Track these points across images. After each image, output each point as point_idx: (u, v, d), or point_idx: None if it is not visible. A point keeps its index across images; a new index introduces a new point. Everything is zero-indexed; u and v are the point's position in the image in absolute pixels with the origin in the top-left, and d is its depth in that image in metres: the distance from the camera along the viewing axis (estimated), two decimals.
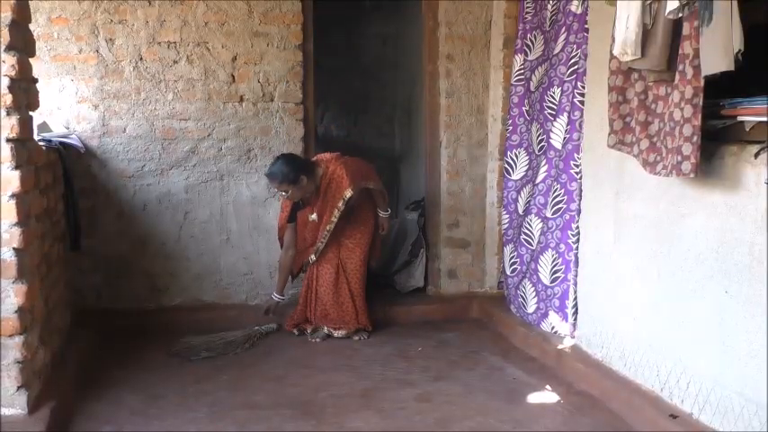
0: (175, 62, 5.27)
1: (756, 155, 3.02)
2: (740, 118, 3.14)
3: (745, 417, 3.15)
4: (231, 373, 4.48)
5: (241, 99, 5.38)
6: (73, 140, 5.00)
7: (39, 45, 4.47)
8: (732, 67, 2.99)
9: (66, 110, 5.20)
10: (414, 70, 6.54)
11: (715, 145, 3.25)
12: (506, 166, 5.32)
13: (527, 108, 5.12)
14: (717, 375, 3.31)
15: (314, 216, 5.09)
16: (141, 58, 5.23)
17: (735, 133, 3.17)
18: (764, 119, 2.99)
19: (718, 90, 3.21)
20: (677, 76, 3.25)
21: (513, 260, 5.27)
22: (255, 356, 4.81)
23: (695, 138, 3.14)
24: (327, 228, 5.04)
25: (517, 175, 5.23)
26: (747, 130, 3.11)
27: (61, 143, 4.71)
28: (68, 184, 4.60)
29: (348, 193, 4.93)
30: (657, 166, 3.44)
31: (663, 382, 3.68)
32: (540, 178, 4.94)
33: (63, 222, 4.55)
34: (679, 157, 3.21)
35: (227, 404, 3.99)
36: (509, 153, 5.28)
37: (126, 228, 5.33)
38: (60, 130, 5.08)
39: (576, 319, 4.62)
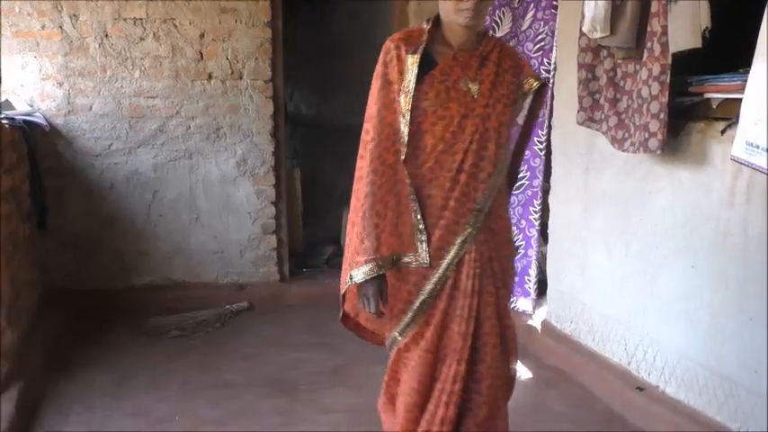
0: (142, 39, 5.19)
1: (723, 132, 3.06)
2: (707, 95, 3.17)
3: (710, 388, 3.21)
4: (202, 351, 4.47)
5: (209, 77, 5.31)
6: (37, 119, 4.91)
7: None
8: (699, 45, 3.02)
9: (30, 87, 5.10)
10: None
11: (682, 122, 3.28)
12: None
13: None
14: (683, 348, 3.37)
15: (473, 86, 2.38)
16: (107, 35, 5.14)
17: (702, 110, 3.21)
18: (731, 96, 3.03)
19: (692, 67, 3.24)
20: (645, 54, 3.27)
21: None
22: (227, 335, 4.80)
23: (662, 115, 3.17)
24: (499, 120, 2.40)
25: None
26: (714, 107, 3.14)
27: (25, 121, 4.63)
28: (34, 164, 4.53)
29: (534, 84, 2.53)
30: (625, 143, 3.47)
31: (630, 355, 3.74)
32: None
33: (29, 202, 4.49)
34: (646, 134, 3.25)
35: (199, 383, 3.99)
36: None
37: (94, 207, 5.26)
38: (24, 108, 4.99)
39: (537, 296, 4.68)
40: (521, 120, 2.65)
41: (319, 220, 6.82)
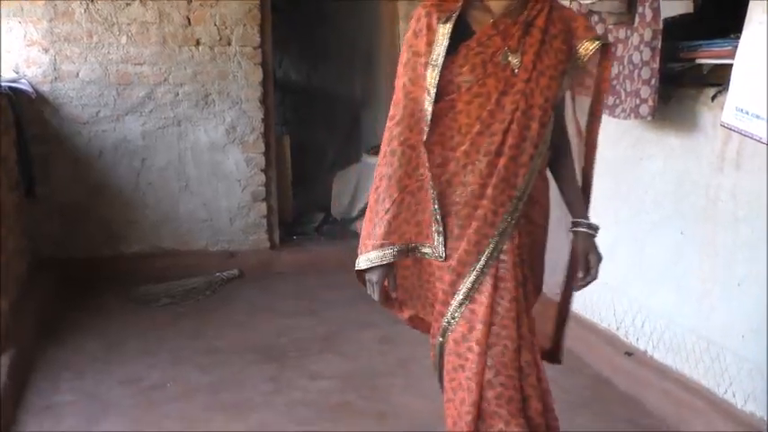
0: (128, 4, 5.12)
1: (713, 98, 3.05)
2: (698, 61, 3.15)
3: (697, 353, 3.24)
4: (192, 319, 4.47)
5: (197, 43, 5.26)
6: (23, 85, 4.86)
7: None
8: (691, 10, 3.00)
9: (15, 53, 5.03)
10: (374, 14, 6.45)
11: (673, 88, 3.27)
12: None
13: None
14: (671, 314, 3.39)
15: (514, 59, 2.06)
16: (92, 0, 5.07)
17: (693, 76, 3.20)
18: (722, 62, 3.01)
19: (683, 33, 3.22)
20: (637, 19, 3.25)
21: None
22: (217, 303, 4.80)
23: (653, 81, 3.16)
24: (544, 96, 2.09)
25: None
26: (705, 72, 3.13)
27: (11, 88, 4.58)
28: (20, 131, 4.48)
29: (591, 47, 2.15)
30: (617, 110, 3.46)
31: (619, 321, 3.77)
32: None
33: (16, 170, 4.45)
34: (637, 101, 3.24)
35: (189, 350, 4.00)
36: None
37: (81, 175, 5.22)
38: (9, 75, 4.93)
39: None
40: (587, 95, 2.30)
41: (309, 188, 6.81)
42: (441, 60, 2.05)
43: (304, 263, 5.53)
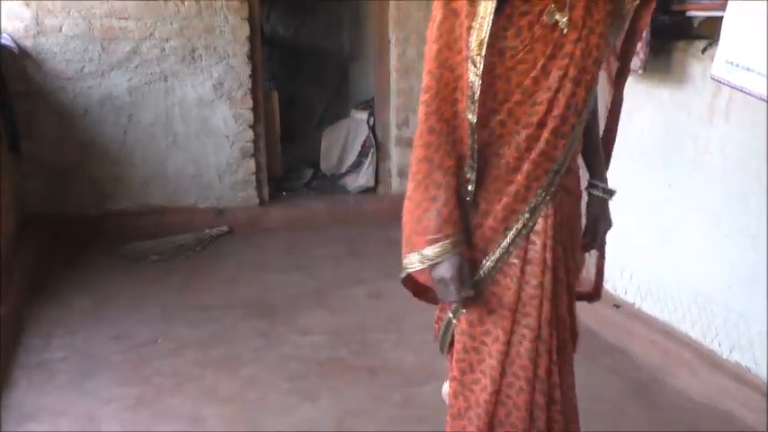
0: None
1: (703, 50, 3.04)
2: (689, 13, 3.14)
3: (684, 304, 3.28)
4: (182, 275, 4.48)
5: None
6: (5, 40, 4.77)
7: None
8: None
9: None
10: None
11: (664, 40, 3.25)
12: None
13: None
14: (658, 266, 3.42)
15: (562, 17, 1.78)
16: None
17: (684, 29, 3.18)
18: (712, 14, 2.99)
19: None
20: None
21: None
22: (206, 259, 4.81)
23: (644, 33, 3.13)
24: (593, 57, 1.83)
25: None
26: (696, 25, 3.11)
27: None
28: (3, 87, 4.42)
29: None
30: None
31: (607, 273, 3.75)
32: None
33: (1, 126, 4.40)
34: None
35: (179, 306, 4.01)
36: None
37: (67, 132, 5.16)
38: None
39: None
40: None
41: (298, 144, 6.77)
42: (489, 22, 1.72)
43: (293, 219, 5.53)
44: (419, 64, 5.62)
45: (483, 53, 1.72)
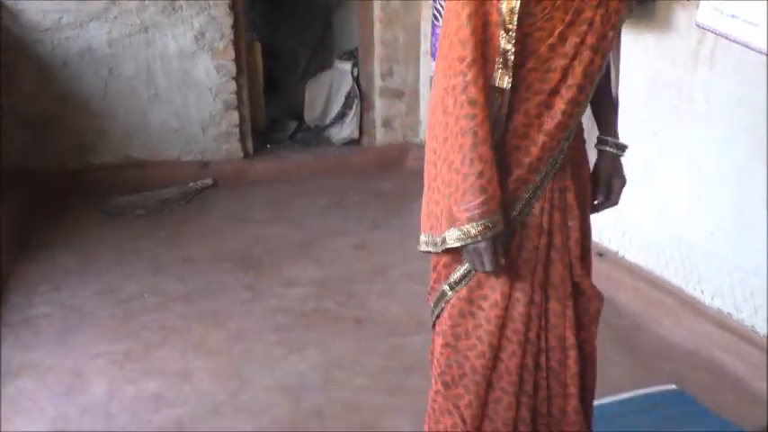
0: None
1: None
2: None
3: (667, 251, 3.30)
4: (167, 229, 4.46)
5: None
6: None
7: None
8: None
9: None
10: None
11: None
12: (435, 12, 5.17)
13: None
14: (641, 215, 3.43)
15: None
16: None
17: None
18: None
19: None
20: None
21: None
22: (191, 213, 4.79)
23: None
24: (612, 23, 1.76)
25: None
26: None
27: None
28: None
29: None
30: None
31: (592, 225, 3.80)
32: None
33: None
34: None
35: (165, 260, 4.00)
36: None
37: (46, 85, 5.07)
38: None
39: None
40: None
41: (281, 96, 6.71)
42: None
43: (278, 171, 5.50)
44: (403, 13, 5.56)
45: (515, 21, 1.66)
